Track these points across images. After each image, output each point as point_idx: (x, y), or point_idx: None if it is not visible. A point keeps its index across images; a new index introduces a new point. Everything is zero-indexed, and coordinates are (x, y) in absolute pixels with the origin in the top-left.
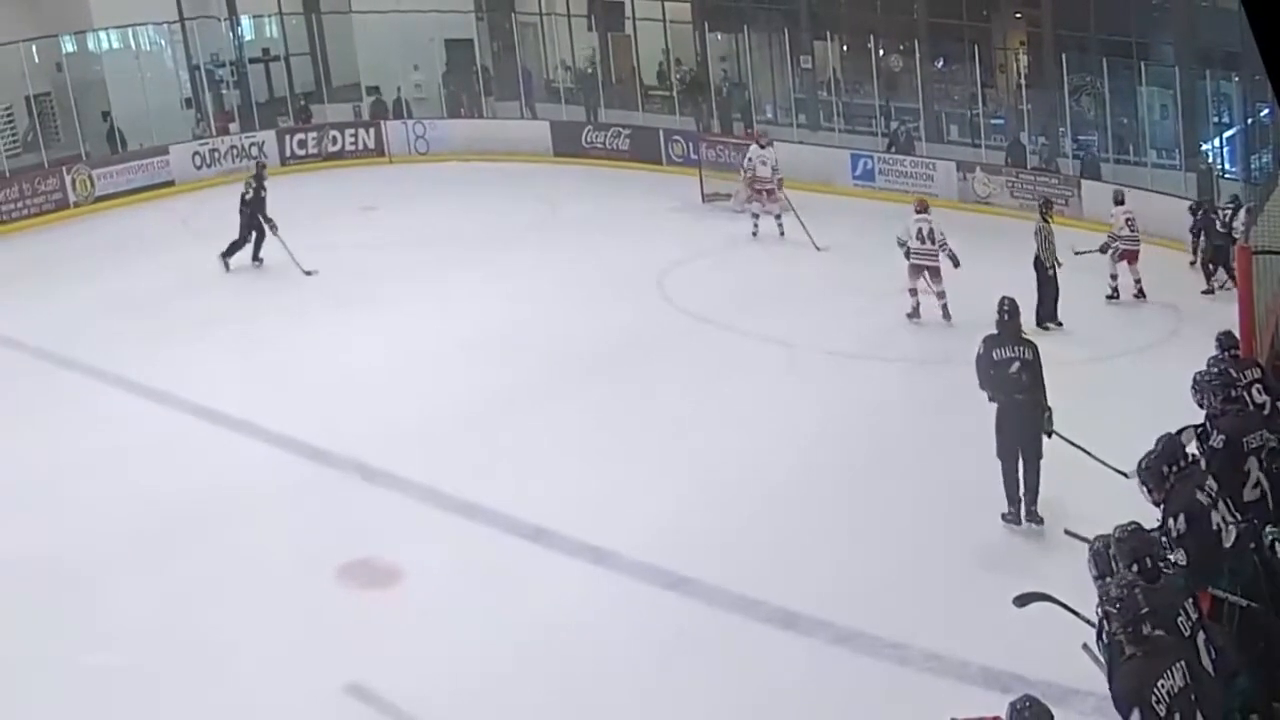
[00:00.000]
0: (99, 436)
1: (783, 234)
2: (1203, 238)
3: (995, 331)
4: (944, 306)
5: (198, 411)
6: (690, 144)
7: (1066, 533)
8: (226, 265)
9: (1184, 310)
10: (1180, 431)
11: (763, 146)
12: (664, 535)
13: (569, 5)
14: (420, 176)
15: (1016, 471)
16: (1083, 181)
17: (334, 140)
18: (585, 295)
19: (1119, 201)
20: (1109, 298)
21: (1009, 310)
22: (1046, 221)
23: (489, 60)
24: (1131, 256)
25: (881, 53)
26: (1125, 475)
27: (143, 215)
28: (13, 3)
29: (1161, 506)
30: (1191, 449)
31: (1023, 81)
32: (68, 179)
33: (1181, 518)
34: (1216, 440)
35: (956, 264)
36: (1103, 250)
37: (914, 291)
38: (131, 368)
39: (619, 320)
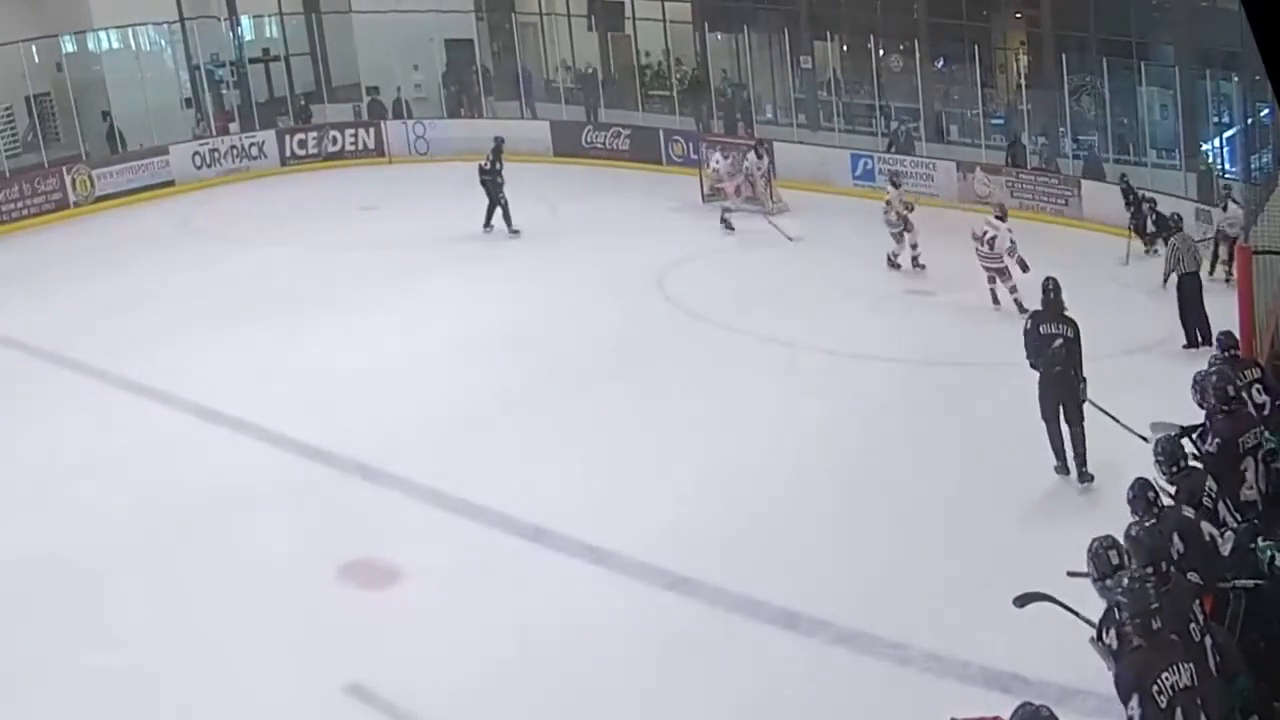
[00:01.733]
0: (99, 436)
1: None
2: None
3: (1040, 309)
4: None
5: (198, 411)
6: (690, 144)
7: (1069, 574)
8: (489, 228)
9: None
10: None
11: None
12: (664, 535)
13: (569, 5)
14: (420, 177)
15: (1060, 432)
16: (1083, 181)
17: (334, 140)
18: (586, 295)
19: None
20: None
21: (1053, 289)
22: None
23: (489, 60)
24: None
25: (881, 53)
26: (1146, 440)
27: (143, 215)
28: (13, 3)
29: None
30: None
31: (1023, 81)
32: (68, 179)
33: (1176, 537)
34: (1212, 444)
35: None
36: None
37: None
38: (131, 368)
39: (619, 320)
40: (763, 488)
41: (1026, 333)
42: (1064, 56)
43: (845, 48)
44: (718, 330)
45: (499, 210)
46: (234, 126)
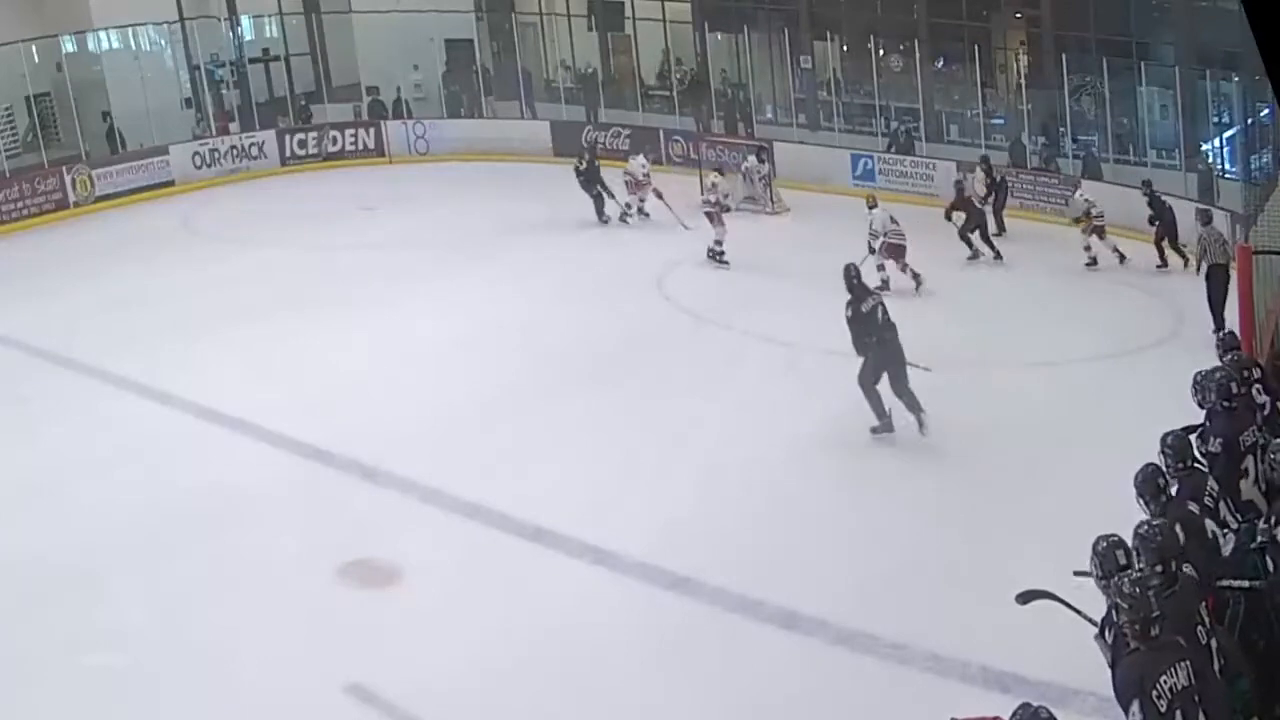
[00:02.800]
0: (99, 437)
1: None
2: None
3: (851, 296)
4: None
5: (198, 411)
6: (690, 144)
7: (1076, 574)
8: (605, 219)
9: (1184, 311)
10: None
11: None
12: (664, 535)
13: (569, 5)
14: (420, 177)
15: (880, 397)
16: (1083, 181)
17: (334, 140)
18: (586, 295)
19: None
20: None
21: (855, 274)
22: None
23: (489, 60)
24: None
25: (882, 53)
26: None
27: (143, 215)
28: (13, 3)
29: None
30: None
31: (1023, 81)
32: (68, 179)
33: (1178, 528)
34: (1214, 444)
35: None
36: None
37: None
38: (131, 368)
39: (619, 319)
40: (763, 487)
41: (850, 320)
42: (1064, 56)
43: (845, 48)
44: (717, 330)
45: (598, 203)
46: (234, 126)
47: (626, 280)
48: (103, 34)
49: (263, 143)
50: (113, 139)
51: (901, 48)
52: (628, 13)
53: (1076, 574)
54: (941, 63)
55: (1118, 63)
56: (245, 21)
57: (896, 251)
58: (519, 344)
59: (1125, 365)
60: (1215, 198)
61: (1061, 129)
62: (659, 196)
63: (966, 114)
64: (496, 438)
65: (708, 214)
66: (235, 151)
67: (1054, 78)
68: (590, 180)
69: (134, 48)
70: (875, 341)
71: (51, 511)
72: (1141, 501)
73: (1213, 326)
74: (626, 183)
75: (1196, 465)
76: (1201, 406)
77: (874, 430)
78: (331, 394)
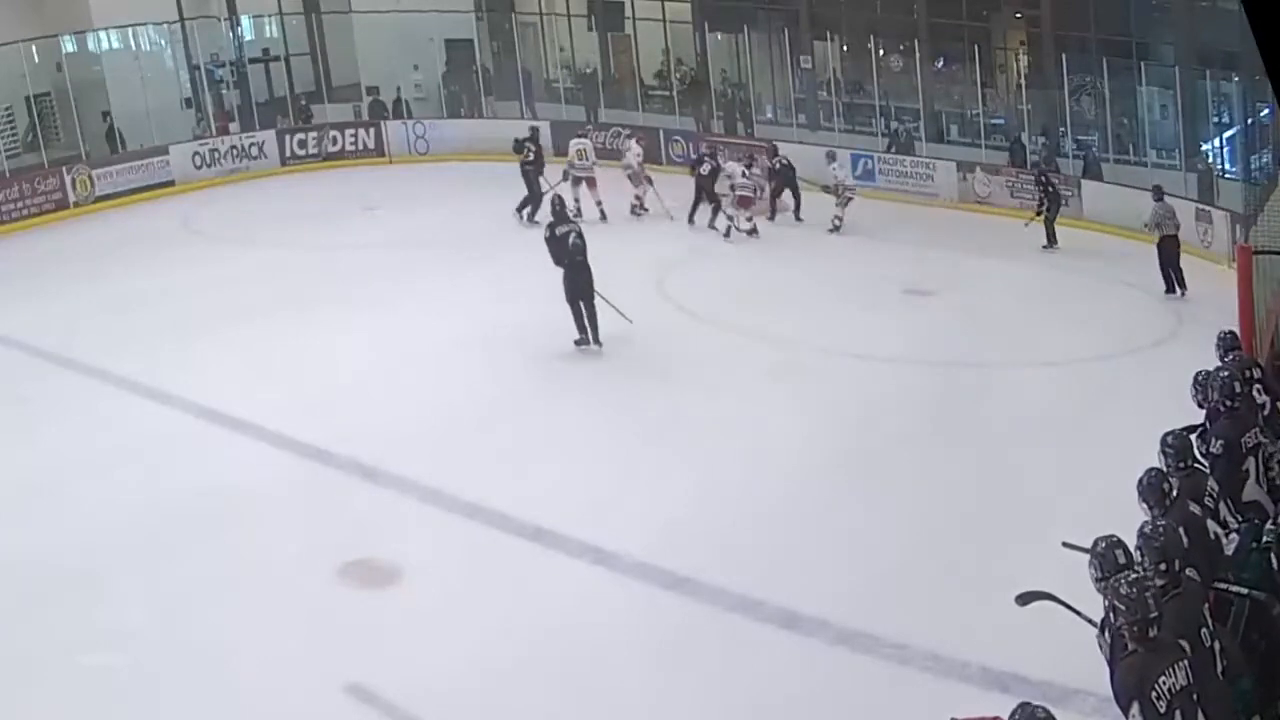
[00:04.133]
0: (99, 437)
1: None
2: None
3: (553, 219)
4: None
5: (198, 411)
6: (690, 144)
7: (1065, 545)
8: (521, 219)
9: (1184, 310)
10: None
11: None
12: (664, 535)
13: (569, 5)
14: (420, 177)
15: (583, 314)
16: (1083, 181)
17: (334, 140)
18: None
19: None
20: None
21: (560, 203)
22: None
23: (489, 60)
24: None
25: (882, 53)
26: (629, 320)
27: (143, 215)
28: (13, 3)
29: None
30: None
31: (1023, 81)
32: (68, 179)
33: (1181, 530)
34: (1216, 445)
35: None
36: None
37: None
38: (131, 367)
39: (619, 319)
40: (763, 487)
41: (548, 240)
42: (1064, 56)
43: (845, 48)
44: (717, 330)
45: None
46: (234, 126)
47: (626, 280)
48: (103, 34)
49: (263, 143)
50: (113, 139)
51: (901, 48)
52: (628, 12)
53: (1065, 545)
54: (941, 63)
55: (1118, 63)
56: (245, 21)
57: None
58: (520, 343)
59: (1127, 365)
60: (1215, 197)
61: (1061, 129)
62: (649, 182)
63: (966, 114)
64: (496, 437)
65: (630, 177)
66: (235, 151)
67: (1054, 78)
68: (534, 175)
69: (134, 48)
70: (568, 264)
71: (51, 512)
72: (1145, 505)
73: (1164, 288)
74: (629, 176)
75: (1197, 466)
76: (1202, 406)
77: (576, 343)
78: (332, 394)
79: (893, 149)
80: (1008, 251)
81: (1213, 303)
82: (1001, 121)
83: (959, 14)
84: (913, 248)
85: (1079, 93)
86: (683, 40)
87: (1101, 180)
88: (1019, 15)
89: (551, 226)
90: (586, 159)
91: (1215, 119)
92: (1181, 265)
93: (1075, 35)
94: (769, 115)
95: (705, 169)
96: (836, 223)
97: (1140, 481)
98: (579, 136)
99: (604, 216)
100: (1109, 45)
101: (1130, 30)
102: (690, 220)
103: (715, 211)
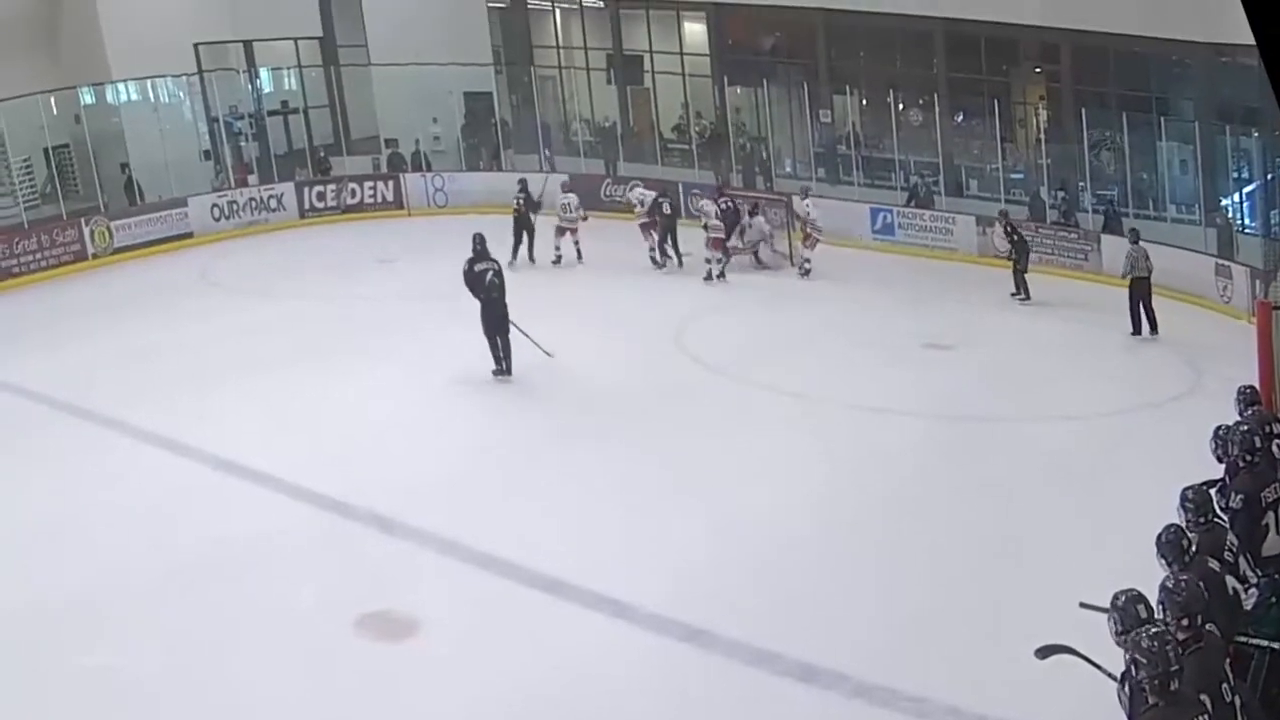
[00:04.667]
0: (116, 486)
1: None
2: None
3: (473, 256)
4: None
5: (215, 462)
6: (708, 194)
7: (1082, 605)
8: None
9: (1202, 364)
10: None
11: (564, 190)
12: (681, 587)
13: (588, 59)
14: (439, 229)
15: (498, 345)
16: (1103, 236)
17: (353, 193)
18: (603, 348)
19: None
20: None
21: (480, 241)
22: None
23: (508, 113)
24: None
25: (901, 107)
26: (549, 355)
27: (161, 267)
28: (32, 54)
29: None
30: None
31: (1042, 136)
32: (86, 230)
33: (1201, 585)
34: (1236, 500)
35: None
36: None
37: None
38: (149, 418)
39: (636, 373)
40: (780, 540)
41: (467, 274)
42: (1084, 111)
43: (864, 102)
44: (734, 383)
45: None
46: (253, 179)
47: (644, 333)
48: (121, 86)
49: (281, 195)
50: (131, 191)
51: (921, 102)
52: (646, 66)
53: (1083, 605)
54: (961, 117)
55: (1137, 117)
56: (264, 74)
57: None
58: (536, 396)
59: (1146, 419)
60: (1235, 252)
61: (1081, 183)
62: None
63: (986, 168)
64: (512, 488)
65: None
66: (254, 204)
67: (1074, 132)
68: (524, 221)
69: (153, 99)
70: (484, 299)
71: (68, 561)
72: (1163, 561)
73: (1130, 330)
74: (642, 226)
75: (1217, 521)
76: (1222, 461)
77: (494, 373)
78: (349, 445)
79: (912, 203)
80: (1027, 305)
81: (1232, 357)
82: (1021, 176)
83: (978, 68)
84: (932, 301)
85: (1098, 147)
86: (702, 94)
87: (1121, 235)
88: (1039, 70)
89: (471, 262)
90: (571, 211)
91: (1235, 174)
92: (1154, 306)
93: (1095, 90)
94: (788, 169)
95: (666, 209)
96: (806, 266)
97: (1159, 538)
98: (567, 191)
99: (580, 257)
100: (1128, 100)
101: (1150, 85)
102: (663, 259)
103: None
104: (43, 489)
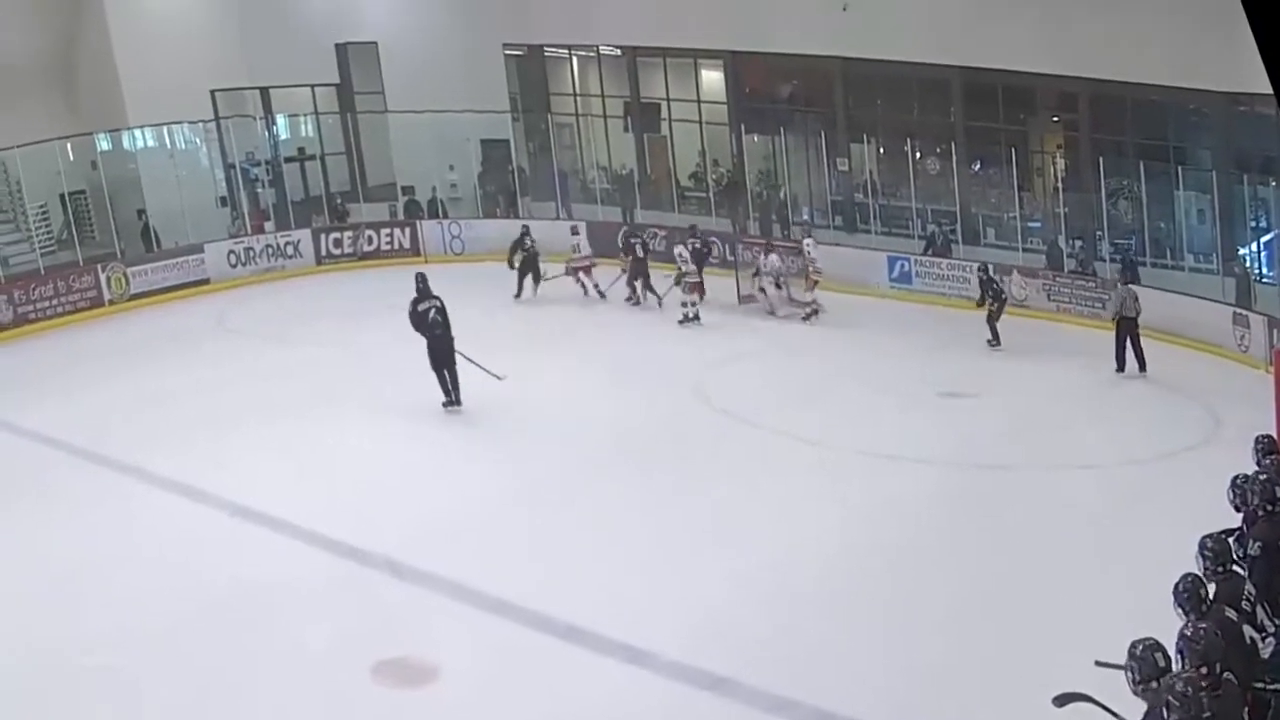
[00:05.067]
0: (131, 532)
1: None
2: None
3: (416, 296)
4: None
5: (231, 508)
6: (726, 245)
7: (1098, 664)
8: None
9: (1220, 413)
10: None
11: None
12: (699, 634)
13: (605, 106)
14: (455, 276)
15: (445, 379)
16: (1119, 285)
17: (369, 240)
18: (621, 395)
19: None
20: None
21: (422, 279)
22: None
23: (525, 161)
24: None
25: (918, 155)
26: (499, 378)
27: (178, 313)
28: (48, 101)
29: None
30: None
31: (1059, 185)
32: (103, 277)
33: (1219, 634)
34: (1254, 548)
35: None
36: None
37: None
38: (164, 464)
39: (655, 419)
40: (798, 587)
41: (411, 314)
42: (1101, 160)
43: (882, 150)
44: (752, 430)
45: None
46: (269, 225)
47: (662, 379)
48: (138, 132)
49: (298, 242)
50: (148, 237)
51: (938, 150)
52: (663, 114)
53: (1099, 664)
54: (978, 166)
55: (1155, 167)
56: (281, 120)
57: (694, 288)
58: (553, 441)
59: (1164, 468)
60: (1253, 301)
61: (1099, 232)
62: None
63: (1003, 217)
64: (530, 534)
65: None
66: (270, 250)
67: (1091, 181)
68: (532, 263)
69: (169, 146)
70: (428, 336)
71: (83, 606)
72: (1180, 611)
73: (1116, 367)
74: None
75: (1235, 569)
76: (1239, 510)
77: (443, 404)
78: (365, 490)
79: (929, 251)
80: (1044, 354)
81: (1249, 406)
82: (1038, 225)
83: (996, 117)
84: (949, 349)
85: (1116, 196)
86: (719, 142)
87: (1139, 284)
88: (1056, 119)
89: (415, 302)
90: (580, 252)
91: (1252, 223)
92: (1142, 345)
93: (1112, 139)
94: (805, 216)
95: (640, 251)
96: (810, 309)
97: (1176, 588)
98: (575, 234)
99: (602, 295)
100: (1146, 149)
101: (1167, 135)
102: (642, 298)
103: (641, 288)
104: (60, 535)
